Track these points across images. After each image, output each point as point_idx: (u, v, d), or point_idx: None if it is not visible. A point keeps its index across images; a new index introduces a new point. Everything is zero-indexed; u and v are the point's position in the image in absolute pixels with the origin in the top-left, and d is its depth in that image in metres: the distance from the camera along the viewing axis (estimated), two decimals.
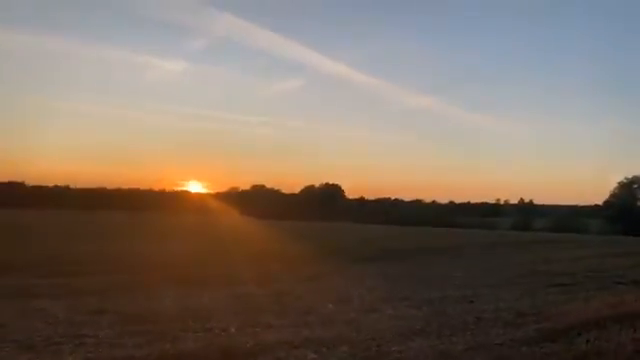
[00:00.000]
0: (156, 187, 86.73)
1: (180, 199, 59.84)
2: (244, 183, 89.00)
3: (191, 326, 6.74)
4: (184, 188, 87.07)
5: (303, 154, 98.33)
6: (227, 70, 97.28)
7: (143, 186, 75.97)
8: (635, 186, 46.98)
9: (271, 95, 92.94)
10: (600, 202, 49.22)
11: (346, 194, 63.02)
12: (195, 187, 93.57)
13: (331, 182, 62.91)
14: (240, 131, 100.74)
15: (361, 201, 62.91)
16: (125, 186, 75.17)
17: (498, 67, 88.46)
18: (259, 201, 53.12)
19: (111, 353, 5.34)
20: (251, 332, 6.32)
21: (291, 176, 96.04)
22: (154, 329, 6.51)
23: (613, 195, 47.33)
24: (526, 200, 62.70)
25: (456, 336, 6.61)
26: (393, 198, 64.70)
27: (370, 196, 65.24)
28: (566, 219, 48.04)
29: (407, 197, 67.70)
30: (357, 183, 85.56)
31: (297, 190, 64.84)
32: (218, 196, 61.71)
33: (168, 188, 79.38)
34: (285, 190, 64.86)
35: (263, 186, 63.68)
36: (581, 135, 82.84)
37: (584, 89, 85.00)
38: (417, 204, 63.98)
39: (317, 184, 63.79)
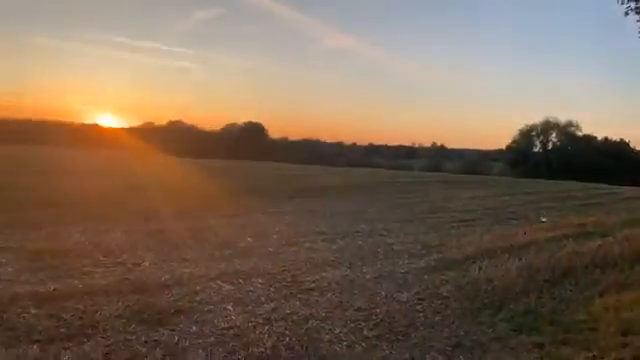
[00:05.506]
0: (63, 119, 78.98)
1: (89, 132, 55.28)
2: (160, 118, 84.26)
3: (102, 262, 6.54)
4: (94, 122, 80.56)
5: (224, 90, 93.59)
6: None
7: (36, 116, 66.34)
8: (533, 133, 51.71)
9: (190, 25, 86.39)
10: (504, 147, 53.68)
11: (269, 133, 62.20)
12: (106, 120, 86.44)
13: (253, 120, 61.42)
14: (155, 62, 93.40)
15: (284, 141, 62.56)
16: (15, 116, 66.28)
17: (416, 11, 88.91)
18: (176, 138, 50.76)
19: (12, 290, 5.06)
20: (166, 267, 6.28)
21: (211, 113, 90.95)
22: (60, 265, 6.23)
23: (514, 141, 51.97)
24: (438, 144, 66.41)
25: (366, 266, 7.09)
26: (315, 139, 64.96)
27: (293, 136, 64.98)
28: (473, 162, 51.96)
29: (329, 139, 68.35)
30: (280, 123, 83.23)
31: (217, 128, 62.63)
32: (131, 131, 57.86)
33: (76, 121, 72.58)
34: (204, 127, 62.20)
35: (180, 122, 60.59)
36: (491, 83, 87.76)
37: (500, 38, 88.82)
38: (338, 145, 65.11)
39: (239, 122, 61.95)
